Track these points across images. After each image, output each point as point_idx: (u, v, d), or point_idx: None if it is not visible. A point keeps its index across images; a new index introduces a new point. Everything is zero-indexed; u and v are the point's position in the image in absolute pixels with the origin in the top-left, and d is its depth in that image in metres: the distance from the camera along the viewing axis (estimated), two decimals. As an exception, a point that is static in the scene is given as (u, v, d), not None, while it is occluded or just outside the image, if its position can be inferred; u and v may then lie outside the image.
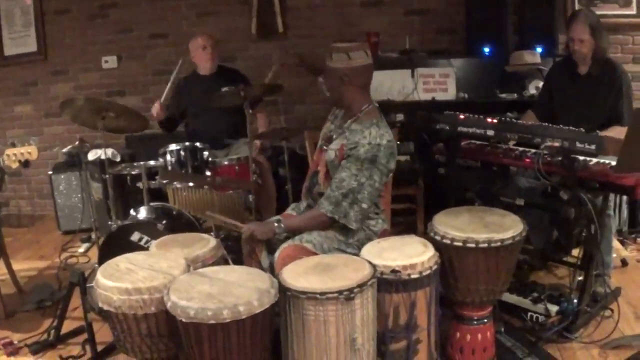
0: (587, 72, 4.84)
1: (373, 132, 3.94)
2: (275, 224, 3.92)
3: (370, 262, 3.38)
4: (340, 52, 3.95)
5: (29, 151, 4.68)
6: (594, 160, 4.11)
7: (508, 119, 4.45)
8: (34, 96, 8.25)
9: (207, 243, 3.93)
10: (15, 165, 4.68)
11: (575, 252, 4.54)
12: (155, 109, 6.13)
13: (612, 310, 4.45)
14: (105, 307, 3.25)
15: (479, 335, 3.88)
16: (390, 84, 6.64)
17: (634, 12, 6.77)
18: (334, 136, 4.17)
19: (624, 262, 5.53)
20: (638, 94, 6.85)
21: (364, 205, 3.93)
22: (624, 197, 6.27)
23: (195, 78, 6.46)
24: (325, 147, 4.19)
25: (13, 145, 4.70)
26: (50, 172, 7.54)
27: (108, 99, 7.22)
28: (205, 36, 6.37)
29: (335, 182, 3.93)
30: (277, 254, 3.84)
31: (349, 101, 4.06)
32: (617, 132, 4.33)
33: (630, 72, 6.51)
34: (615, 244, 5.88)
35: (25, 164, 4.72)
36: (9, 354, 4.54)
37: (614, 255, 5.32)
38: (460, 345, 3.92)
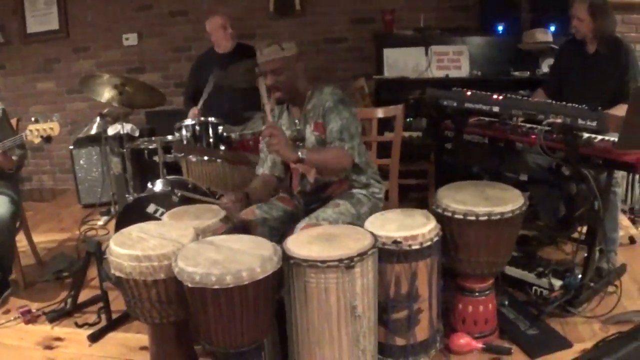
0: (594, 50, 4.87)
1: (326, 90, 4.16)
2: (299, 152, 3.81)
3: (371, 233, 3.47)
4: (290, 42, 4.11)
5: (51, 127, 4.74)
6: (599, 137, 4.13)
7: (514, 96, 4.48)
8: (56, 73, 8.36)
9: (217, 214, 4.03)
10: (37, 141, 4.74)
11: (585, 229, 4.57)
12: (192, 114, 6.17)
13: (616, 286, 4.48)
14: (117, 274, 3.37)
15: (481, 307, 3.95)
16: (405, 62, 6.70)
17: (648, -9, 6.77)
18: (299, 132, 4.28)
19: (632, 240, 5.52)
20: (652, 74, 6.89)
21: (358, 140, 4.07)
22: (637, 176, 6.31)
23: (213, 55, 6.52)
24: (300, 147, 4.17)
25: (36, 121, 4.79)
26: (71, 147, 7.65)
27: (128, 75, 7.29)
28: (224, 16, 6.42)
29: (329, 136, 4.03)
30: (295, 231, 3.92)
31: (300, 87, 4.19)
32: (623, 110, 4.39)
33: (645, 52, 6.56)
34: (625, 221, 5.94)
35: (47, 139, 4.78)
36: (27, 322, 4.66)
37: (622, 232, 5.36)
38: (462, 316, 3.99)
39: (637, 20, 6.82)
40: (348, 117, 4.01)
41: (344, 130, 3.96)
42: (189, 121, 5.58)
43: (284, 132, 4.03)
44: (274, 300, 3.29)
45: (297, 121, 4.28)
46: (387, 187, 4.65)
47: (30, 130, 4.71)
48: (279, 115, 4.43)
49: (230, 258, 3.13)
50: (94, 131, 6.20)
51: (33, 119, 4.78)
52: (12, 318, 4.74)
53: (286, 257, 3.26)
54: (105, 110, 6.25)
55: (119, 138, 6.05)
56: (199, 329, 3.24)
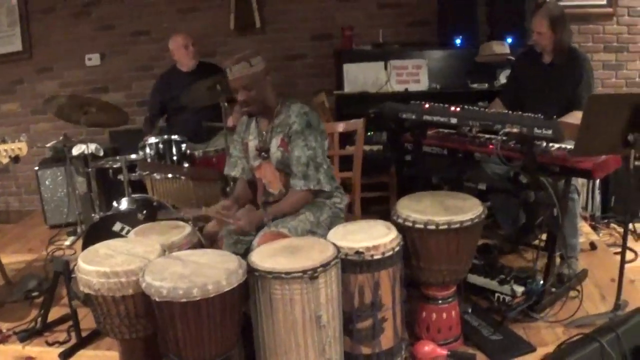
0: (550, 61, 4.98)
1: (294, 108, 4.24)
2: (265, 218, 4.08)
3: (334, 244, 3.53)
4: (257, 56, 4.18)
5: (19, 147, 4.77)
6: (556, 145, 4.21)
7: (471, 107, 4.56)
8: (20, 94, 8.32)
9: (182, 230, 4.09)
10: (5, 161, 4.75)
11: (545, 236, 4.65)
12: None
13: (578, 291, 4.55)
14: (86, 290, 3.41)
15: (444, 314, 4.02)
16: (364, 76, 6.76)
17: (604, 2, 6.91)
18: (267, 142, 4.34)
19: (593, 246, 5.62)
20: (610, 82, 7.06)
21: (325, 166, 4.20)
22: (597, 183, 6.41)
23: (176, 74, 6.54)
24: (265, 158, 4.35)
25: (4, 141, 4.81)
26: (37, 168, 7.59)
27: (91, 95, 7.30)
28: (185, 34, 6.46)
29: (293, 163, 4.14)
30: (255, 241, 4.01)
31: (269, 100, 4.28)
32: (576, 118, 4.47)
33: (601, 61, 6.74)
34: (585, 228, 6.04)
35: (16, 159, 4.81)
36: (-2, 342, 4.67)
37: (582, 239, 5.46)
38: (426, 323, 4.05)
39: (592, 30, 6.99)
40: (315, 146, 4.14)
41: (310, 162, 4.10)
42: (152, 139, 5.61)
43: (240, 218, 4.08)
44: (240, 312, 3.34)
45: (264, 133, 4.34)
46: (349, 200, 4.71)
47: (-1, 151, 4.74)
48: (247, 124, 4.51)
49: (197, 272, 3.18)
50: (50, 145, 6.16)
51: (1, 139, 4.80)
52: (-17, 339, 4.72)
53: (251, 270, 3.31)
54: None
55: (83, 158, 6.06)
56: (167, 343, 3.28)
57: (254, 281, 3.34)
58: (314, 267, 3.24)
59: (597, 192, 6.50)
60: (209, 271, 3.18)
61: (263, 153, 4.34)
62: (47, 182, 7.56)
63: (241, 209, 4.19)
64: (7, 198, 8.79)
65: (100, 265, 3.37)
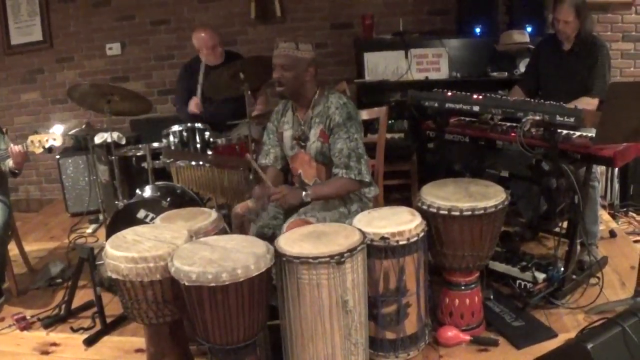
0: (570, 48, 4.99)
1: (332, 99, 4.26)
2: (303, 193, 4.07)
3: (360, 230, 3.58)
4: (307, 43, 4.21)
5: (54, 137, 4.83)
6: (577, 133, 4.24)
7: (493, 95, 4.57)
8: (41, 83, 8.34)
9: (208, 216, 4.13)
10: (39, 151, 4.82)
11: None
12: (194, 104, 6.28)
13: (598, 277, 4.57)
14: (114, 276, 3.44)
15: (467, 300, 4.06)
16: (385, 65, 6.75)
17: (623, -9, 6.89)
18: (304, 132, 4.37)
19: (612, 233, 5.64)
20: (629, 71, 7.02)
21: (365, 157, 4.21)
22: (616, 172, 6.41)
23: (200, 66, 6.46)
24: (302, 146, 4.39)
25: (36, 132, 4.85)
26: (58, 157, 7.64)
27: (112, 84, 7.33)
28: (211, 33, 6.37)
29: (335, 155, 4.16)
30: (284, 228, 4.05)
31: (306, 89, 4.29)
32: (585, 103, 4.50)
33: (620, 50, 6.71)
34: (605, 216, 6.05)
35: (49, 150, 4.88)
36: (23, 329, 4.72)
37: (602, 227, 5.48)
38: (449, 309, 4.09)
39: (611, 19, 6.93)
40: (356, 137, 4.17)
41: (352, 153, 4.12)
42: (176, 127, 5.63)
43: (284, 189, 4.11)
44: (267, 296, 3.37)
45: (302, 122, 4.37)
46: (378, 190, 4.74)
47: (32, 141, 4.78)
48: (283, 112, 4.54)
49: (225, 257, 3.22)
50: (72, 132, 6.17)
51: (34, 130, 4.84)
52: (8, 325, 4.78)
53: (278, 255, 3.36)
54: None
55: (105, 146, 6.08)
56: (195, 327, 3.33)
57: (281, 266, 3.39)
58: (341, 252, 3.28)
59: (615, 180, 6.49)
60: (237, 256, 3.22)
61: (301, 142, 4.37)
62: (68, 171, 7.62)
63: (281, 186, 4.21)
64: (28, 187, 8.82)
65: (128, 251, 3.41)
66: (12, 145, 4.86)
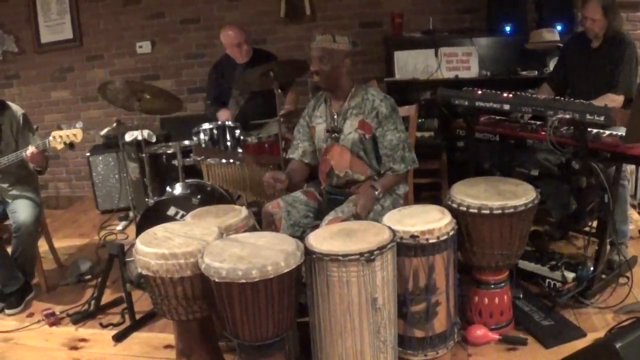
0: (598, 46, 4.96)
1: (372, 91, 4.38)
2: (375, 193, 4.17)
3: (390, 228, 3.58)
4: (344, 36, 4.29)
5: (75, 133, 4.85)
6: (607, 132, 4.24)
7: (523, 93, 4.56)
8: (71, 81, 8.42)
9: (238, 213, 4.14)
10: (60, 147, 4.84)
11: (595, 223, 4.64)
12: (225, 115, 6.27)
13: (627, 277, 4.56)
14: (144, 272, 3.47)
15: (496, 299, 4.05)
16: (415, 64, 6.75)
17: (654, -11, 6.84)
18: (340, 123, 4.41)
19: (642, 233, 5.61)
20: (657, 70, 6.95)
21: (412, 145, 4.36)
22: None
23: (231, 64, 6.49)
24: (335, 138, 4.42)
25: (59, 128, 4.89)
26: (88, 154, 7.73)
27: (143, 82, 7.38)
28: (237, 31, 6.37)
29: (386, 147, 4.27)
30: (323, 224, 4.05)
31: (342, 82, 4.38)
32: (610, 100, 4.46)
33: (649, 49, 6.63)
34: (634, 215, 6.01)
35: (71, 146, 4.89)
36: (52, 324, 4.77)
37: (632, 226, 5.45)
38: (478, 308, 4.09)
39: (640, 18, 6.90)
40: (402, 128, 4.29)
41: (403, 144, 4.26)
42: (206, 125, 5.64)
43: (363, 198, 4.13)
44: (296, 294, 3.39)
45: (336, 114, 4.42)
46: (408, 188, 4.76)
47: (54, 137, 4.81)
48: (315, 107, 4.59)
49: (255, 253, 3.23)
50: (104, 133, 6.19)
51: (57, 125, 4.87)
52: (37, 320, 4.84)
53: (308, 252, 3.37)
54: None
55: (136, 143, 6.11)
56: (225, 323, 3.35)
57: (310, 263, 3.41)
58: (371, 250, 3.29)
59: (646, 180, 6.46)
60: (267, 253, 3.22)
61: (334, 134, 4.41)
62: (98, 168, 7.68)
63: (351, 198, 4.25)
64: (57, 184, 8.91)
65: (158, 247, 3.44)
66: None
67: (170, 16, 7.98)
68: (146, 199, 5.73)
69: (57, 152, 4.96)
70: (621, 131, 4.09)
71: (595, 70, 4.94)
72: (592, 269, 4.37)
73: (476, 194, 3.90)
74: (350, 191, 4.42)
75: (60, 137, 4.82)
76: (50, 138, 4.82)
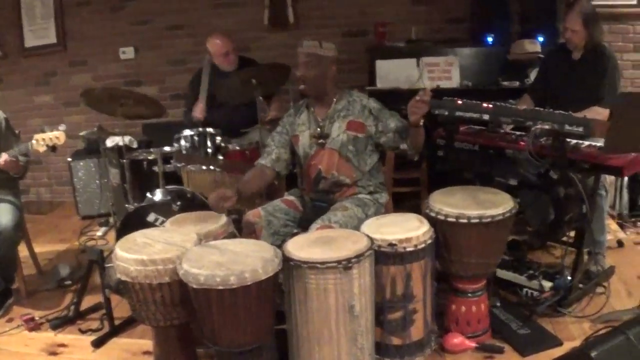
0: (579, 57, 4.99)
1: (355, 94, 4.54)
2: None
3: (368, 236, 3.60)
4: (331, 43, 4.36)
5: (57, 136, 4.85)
6: (586, 142, 4.26)
7: (503, 103, 4.59)
8: (54, 86, 8.41)
9: (218, 220, 4.16)
10: (43, 150, 4.83)
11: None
12: (199, 109, 6.29)
13: (605, 287, 4.61)
14: (123, 278, 3.48)
15: (474, 307, 4.07)
16: (397, 73, 6.76)
17: (634, 1, 6.87)
18: (324, 130, 4.45)
19: (620, 243, 5.67)
20: (639, 82, 7.01)
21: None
22: (625, 182, 6.42)
23: (215, 71, 6.48)
24: (321, 144, 4.46)
25: (42, 131, 4.89)
26: (70, 159, 7.71)
27: (125, 88, 7.39)
28: (225, 40, 6.37)
29: (394, 131, 4.38)
30: (310, 231, 4.06)
31: (327, 88, 4.43)
32: (595, 113, 4.49)
33: (631, 61, 6.72)
34: (613, 225, 6.06)
35: (53, 148, 4.88)
36: (31, 329, 4.76)
37: (610, 236, 5.50)
38: (455, 316, 4.12)
39: (622, 29, 6.94)
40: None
41: (403, 127, 4.32)
42: (187, 132, 5.65)
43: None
44: (274, 301, 3.41)
45: (320, 120, 4.46)
46: (389, 197, 4.78)
47: (37, 140, 4.80)
48: (297, 115, 4.61)
49: (233, 260, 3.25)
50: (84, 133, 6.16)
51: (40, 129, 4.88)
52: (16, 326, 4.82)
53: (286, 259, 3.38)
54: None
55: (117, 149, 6.11)
56: (203, 330, 3.36)
57: (288, 271, 3.42)
58: (349, 258, 3.30)
59: (624, 190, 6.49)
60: (246, 259, 3.25)
61: (321, 140, 4.43)
62: (79, 174, 7.67)
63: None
64: (39, 189, 8.89)
65: (138, 253, 3.45)
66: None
67: (156, 22, 8.00)
68: (126, 205, 5.74)
69: (40, 154, 4.95)
70: (600, 142, 4.12)
71: (577, 82, 4.96)
72: (569, 278, 4.41)
73: (455, 203, 3.92)
74: (335, 197, 4.47)
75: (43, 139, 4.82)
76: (33, 141, 4.81)
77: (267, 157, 4.58)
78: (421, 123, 4.11)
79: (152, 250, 3.49)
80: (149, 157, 5.76)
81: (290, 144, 4.57)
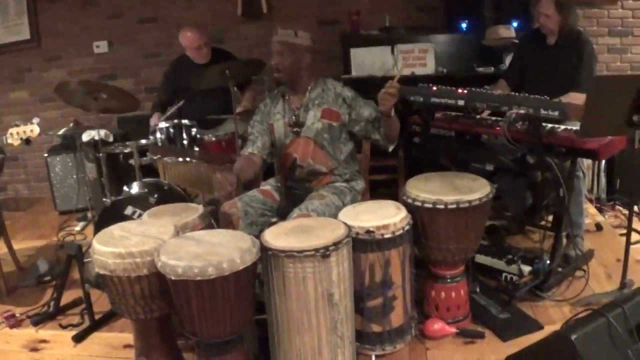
0: (554, 42, 5.01)
1: (330, 82, 4.54)
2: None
3: (345, 223, 3.60)
4: (305, 32, 4.38)
5: (31, 129, 4.83)
6: (562, 126, 4.29)
7: (478, 89, 4.59)
8: (29, 82, 8.39)
9: (195, 211, 4.13)
10: (17, 143, 4.82)
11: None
12: (154, 120, 6.22)
13: (584, 270, 4.63)
14: (101, 271, 3.45)
15: (453, 293, 4.09)
16: (372, 61, 6.77)
17: (609, -14, 6.92)
18: (298, 117, 4.46)
19: (599, 227, 5.71)
20: (615, 66, 7.08)
21: None
22: (602, 166, 6.46)
23: (188, 63, 6.50)
24: (297, 133, 4.47)
25: (16, 125, 4.87)
26: (46, 155, 7.69)
27: (100, 82, 7.35)
28: (197, 34, 6.37)
29: (367, 120, 4.37)
30: (289, 219, 4.08)
31: (302, 77, 4.44)
32: (573, 98, 4.49)
33: (606, 45, 6.75)
34: (591, 209, 6.09)
35: (27, 141, 4.87)
36: (12, 326, 4.72)
37: (588, 220, 5.53)
38: (435, 302, 4.13)
39: (597, 14, 6.99)
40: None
41: (377, 117, 4.29)
42: (163, 124, 5.65)
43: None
44: (253, 290, 3.41)
45: (295, 109, 4.47)
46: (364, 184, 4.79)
47: (11, 134, 4.79)
48: (272, 104, 4.61)
49: (211, 251, 3.23)
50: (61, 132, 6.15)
51: (14, 123, 4.86)
52: (-3, 323, 4.80)
53: (264, 249, 3.36)
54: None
55: (93, 144, 6.09)
56: (183, 322, 3.34)
57: (266, 260, 3.40)
58: (326, 246, 3.29)
59: (602, 174, 6.54)
60: (223, 250, 3.23)
61: (296, 128, 4.44)
62: (56, 169, 7.65)
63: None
64: (16, 185, 8.86)
65: (115, 247, 3.42)
66: None
67: (128, 16, 7.97)
68: (104, 199, 5.72)
69: (14, 148, 4.92)
70: (576, 126, 4.13)
71: (553, 68, 4.98)
72: (548, 262, 4.43)
73: (431, 189, 3.92)
74: (311, 186, 4.48)
75: (17, 133, 4.80)
76: (7, 135, 4.79)
77: (253, 145, 4.56)
78: (392, 113, 4.10)
79: (130, 243, 3.46)
80: (125, 151, 5.76)
81: (269, 132, 4.56)
